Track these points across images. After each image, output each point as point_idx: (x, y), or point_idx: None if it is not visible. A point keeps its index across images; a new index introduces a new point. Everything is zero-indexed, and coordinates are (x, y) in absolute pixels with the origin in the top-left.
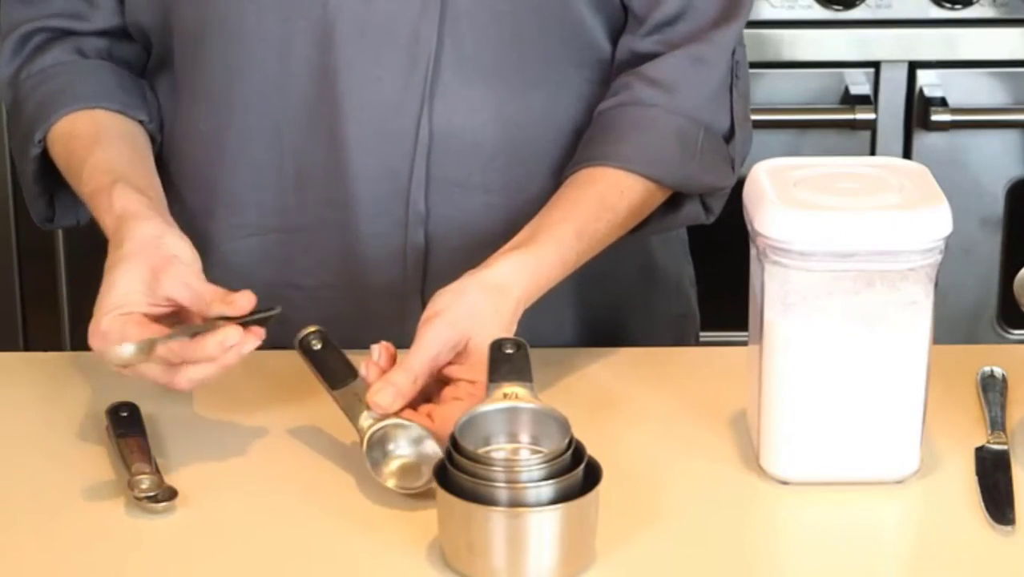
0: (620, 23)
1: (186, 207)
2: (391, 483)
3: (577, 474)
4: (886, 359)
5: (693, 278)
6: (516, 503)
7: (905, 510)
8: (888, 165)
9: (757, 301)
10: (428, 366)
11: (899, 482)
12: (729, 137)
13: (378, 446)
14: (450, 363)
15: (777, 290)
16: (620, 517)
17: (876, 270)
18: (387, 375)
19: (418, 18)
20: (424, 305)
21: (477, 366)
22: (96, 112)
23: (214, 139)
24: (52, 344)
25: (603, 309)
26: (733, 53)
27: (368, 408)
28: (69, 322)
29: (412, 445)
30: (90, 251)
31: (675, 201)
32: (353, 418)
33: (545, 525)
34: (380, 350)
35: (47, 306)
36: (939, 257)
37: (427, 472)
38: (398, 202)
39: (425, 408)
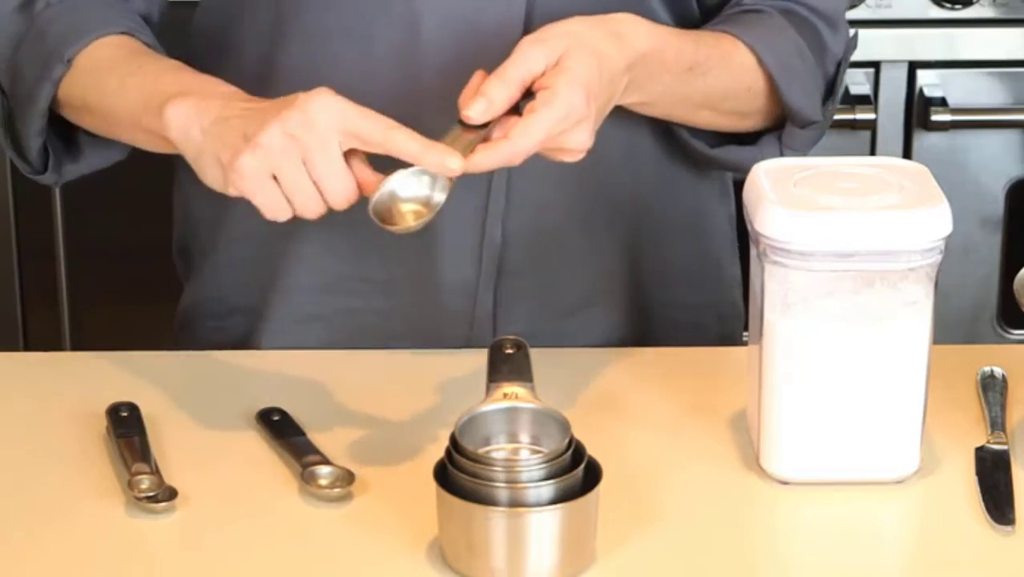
0: (694, 23)
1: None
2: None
3: (577, 474)
4: (886, 359)
5: (739, 279)
6: (516, 503)
7: (905, 510)
8: (888, 165)
9: (757, 301)
10: (523, 78)
11: (899, 482)
12: (831, 87)
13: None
14: (541, 75)
15: (777, 290)
16: (620, 517)
17: (876, 270)
18: (482, 86)
19: (504, 12)
20: (496, 302)
21: (561, 75)
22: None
23: None
24: (52, 344)
25: (659, 307)
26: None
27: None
28: (69, 322)
29: (423, 190)
30: (90, 251)
31: (752, 138)
32: None
33: (545, 525)
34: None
35: (47, 306)
36: (939, 257)
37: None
38: (478, 196)
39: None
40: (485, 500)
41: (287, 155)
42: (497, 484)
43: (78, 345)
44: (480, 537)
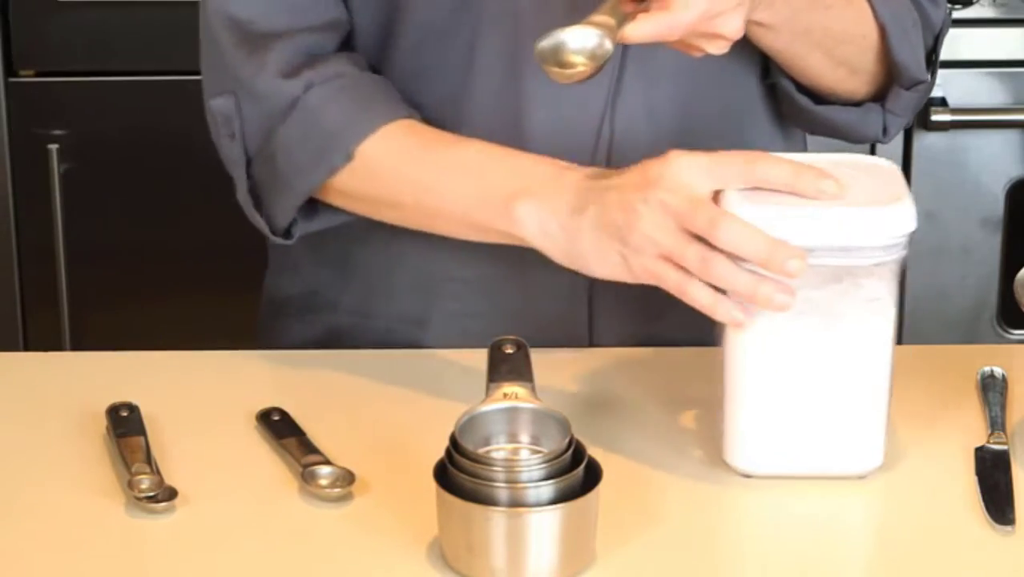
0: None
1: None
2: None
3: (577, 474)
4: (849, 356)
5: None
6: (516, 503)
7: (903, 508)
8: (855, 162)
9: (723, 296)
10: None
11: (862, 477)
12: (929, 59)
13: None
14: None
15: None
16: (620, 517)
17: (838, 266)
18: None
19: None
20: (591, 310)
21: None
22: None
23: None
24: (52, 344)
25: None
26: None
27: None
28: (69, 322)
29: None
30: (90, 251)
31: (859, 104)
32: None
33: (545, 525)
34: None
35: (47, 306)
36: (902, 253)
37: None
38: None
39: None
40: (485, 500)
41: (662, 228)
42: (497, 484)
43: (78, 345)
44: (480, 537)
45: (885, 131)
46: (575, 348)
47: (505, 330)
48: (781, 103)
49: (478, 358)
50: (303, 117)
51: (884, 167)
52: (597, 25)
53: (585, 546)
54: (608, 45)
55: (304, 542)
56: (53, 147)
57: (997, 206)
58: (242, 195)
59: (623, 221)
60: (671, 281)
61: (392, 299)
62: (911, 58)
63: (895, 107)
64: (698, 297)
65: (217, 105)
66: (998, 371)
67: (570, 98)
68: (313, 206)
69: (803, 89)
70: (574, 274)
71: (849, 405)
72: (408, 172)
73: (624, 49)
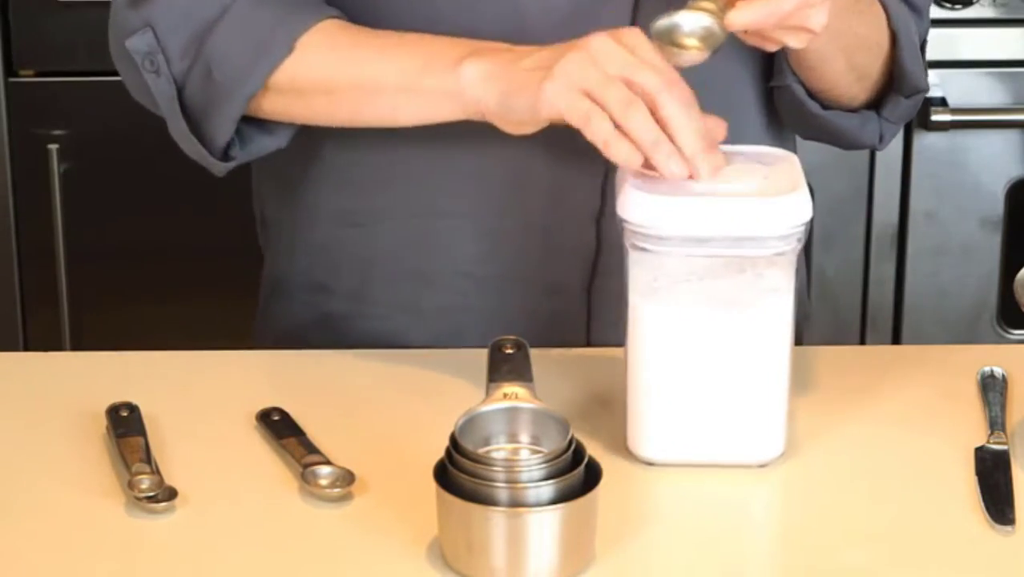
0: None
1: (364, 192)
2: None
3: (577, 474)
4: (748, 345)
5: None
6: (516, 503)
7: (903, 508)
8: (756, 152)
9: (624, 286)
10: None
11: (763, 466)
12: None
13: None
14: None
15: (641, 275)
16: (620, 517)
17: (734, 255)
18: None
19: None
20: (590, 305)
21: None
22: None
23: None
24: (52, 344)
25: None
26: None
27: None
28: (69, 322)
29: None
30: (90, 251)
31: (856, 110)
32: None
33: (545, 525)
34: None
35: (47, 306)
36: (798, 244)
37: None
38: (576, 195)
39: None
40: (485, 500)
41: (594, 65)
42: (497, 484)
43: (78, 345)
44: (480, 537)
45: (881, 138)
46: (575, 348)
47: (499, 327)
48: (782, 106)
49: (478, 358)
50: (235, 23)
51: (782, 157)
52: (708, 11)
53: (585, 546)
54: (719, 31)
55: (304, 542)
56: (53, 147)
57: (997, 206)
58: (176, 126)
59: (559, 56)
60: (578, 111)
61: (388, 288)
62: (916, 67)
63: (892, 115)
64: (599, 130)
65: (134, 44)
66: (998, 371)
67: None
68: (247, 133)
69: (811, 94)
70: (574, 273)
71: (750, 394)
72: (349, 52)
73: None
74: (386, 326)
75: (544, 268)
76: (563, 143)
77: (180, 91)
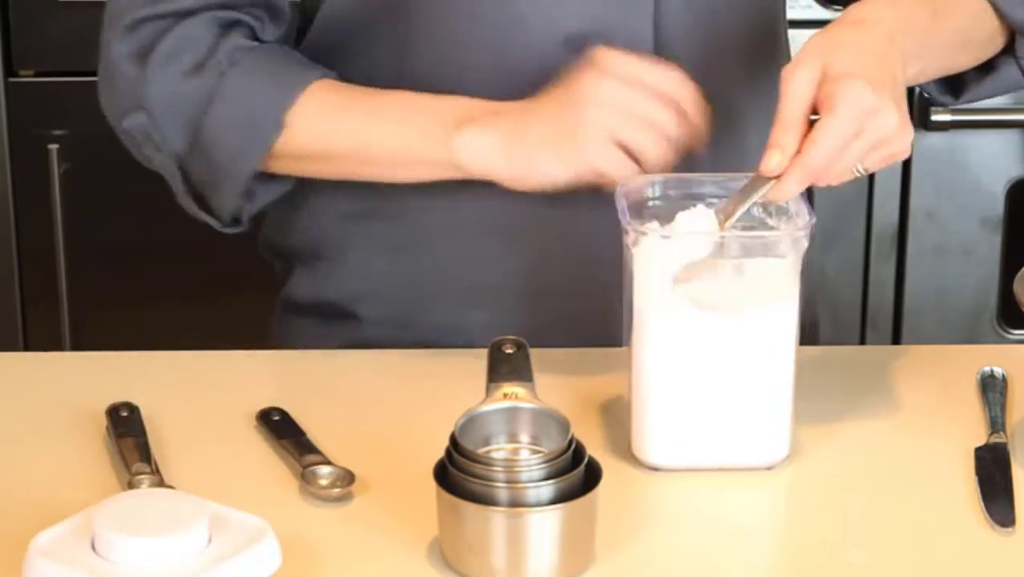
0: None
1: (406, 206)
2: None
3: (577, 474)
4: (753, 349)
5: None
6: (516, 503)
7: (905, 509)
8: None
9: (628, 289)
10: (800, 111)
11: (769, 468)
12: None
13: None
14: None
15: (644, 279)
16: (621, 518)
17: (744, 259)
18: (770, 139)
19: (633, 24)
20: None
21: (829, 83)
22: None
23: None
24: (52, 344)
25: None
26: None
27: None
28: (69, 322)
29: None
30: (90, 251)
31: (990, 66)
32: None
33: (545, 525)
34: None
35: (47, 306)
36: (805, 245)
37: None
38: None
39: None
40: (485, 500)
41: (619, 115)
42: (497, 484)
43: (78, 345)
44: (480, 537)
45: None
46: (575, 348)
47: (542, 340)
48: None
49: (478, 358)
50: (227, 103)
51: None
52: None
53: (585, 546)
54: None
55: (304, 542)
56: (53, 147)
57: (997, 206)
58: (182, 198)
59: (566, 119)
60: (625, 166)
61: (431, 311)
62: (1021, 10)
63: None
64: (653, 169)
65: (131, 125)
66: (998, 371)
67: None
68: (251, 188)
69: (941, 87)
70: (617, 285)
71: (755, 398)
72: (341, 122)
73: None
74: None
75: (586, 279)
76: None
77: (182, 167)
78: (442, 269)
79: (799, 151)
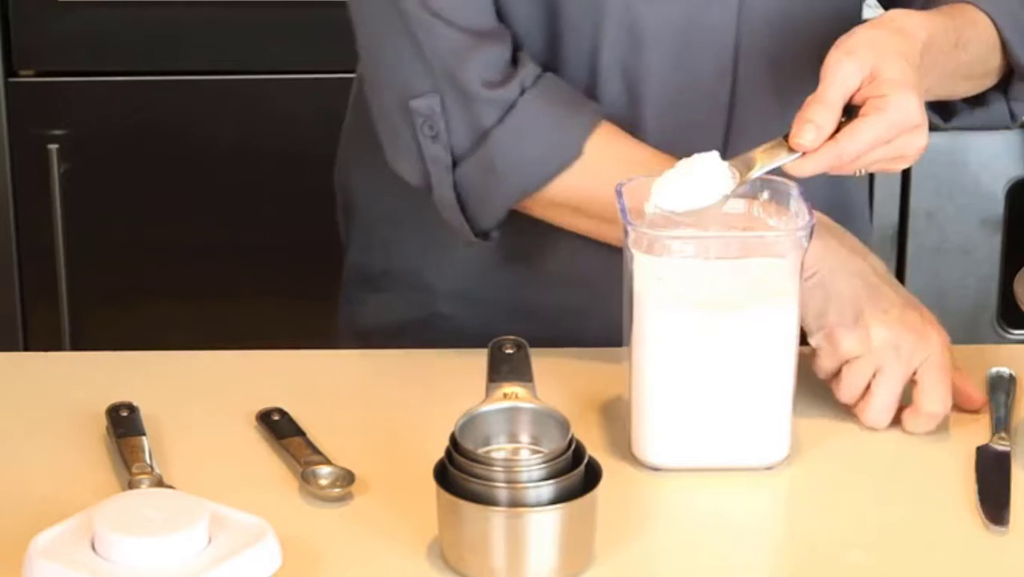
0: None
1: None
2: None
3: (577, 474)
4: (753, 348)
5: None
6: (516, 503)
7: (905, 509)
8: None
9: (628, 289)
10: (842, 96)
11: (769, 468)
12: None
13: None
14: (857, 89)
15: (645, 278)
16: (620, 517)
17: (743, 258)
18: (803, 113)
19: (717, 15)
20: None
21: (884, 84)
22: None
23: None
24: (52, 344)
25: None
26: None
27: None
28: (69, 322)
29: None
30: (90, 251)
31: (981, 99)
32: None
33: (545, 525)
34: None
35: (47, 306)
36: (805, 245)
37: None
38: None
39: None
40: (485, 500)
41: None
42: (497, 484)
43: (78, 345)
44: (480, 537)
45: (1012, 117)
46: (575, 348)
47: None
48: None
49: (478, 358)
50: (522, 119)
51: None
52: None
53: (585, 546)
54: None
55: (304, 542)
56: (53, 147)
57: (997, 206)
58: (444, 194)
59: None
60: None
61: (498, 289)
62: None
63: (1019, 95)
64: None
65: (418, 105)
66: (1007, 371)
67: (687, 118)
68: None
69: (933, 107)
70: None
71: (755, 398)
72: (627, 170)
73: (736, 56)
74: (492, 326)
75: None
76: (667, 146)
77: (454, 165)
78: (509, 253)
79: (834, 136)
